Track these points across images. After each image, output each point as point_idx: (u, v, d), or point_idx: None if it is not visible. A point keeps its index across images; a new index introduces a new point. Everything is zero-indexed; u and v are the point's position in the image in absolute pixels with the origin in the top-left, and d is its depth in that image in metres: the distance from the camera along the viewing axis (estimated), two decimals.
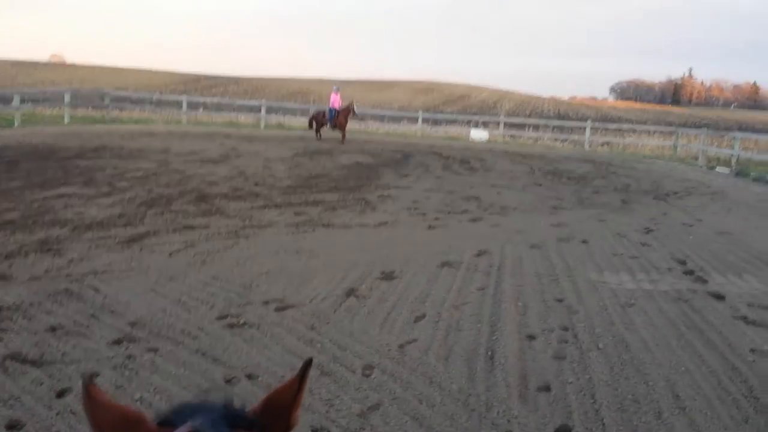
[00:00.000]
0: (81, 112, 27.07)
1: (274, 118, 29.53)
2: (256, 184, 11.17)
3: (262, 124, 27.51)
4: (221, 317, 4.75)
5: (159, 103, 35.61)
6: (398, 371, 3.93)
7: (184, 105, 27.64)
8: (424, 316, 4.96)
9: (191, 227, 7.60)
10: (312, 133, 22.18)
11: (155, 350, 4.08)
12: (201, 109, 31.08)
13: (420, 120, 28.87)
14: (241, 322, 4.68)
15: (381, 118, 32.76)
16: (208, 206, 8.91)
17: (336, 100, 22.11)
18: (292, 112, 31.87)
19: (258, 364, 3.94)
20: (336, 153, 17.61)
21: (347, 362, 4.04)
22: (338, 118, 21.59)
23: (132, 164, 12.65)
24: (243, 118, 29.38)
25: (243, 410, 0.96)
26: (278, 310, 4.94)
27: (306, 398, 3.45)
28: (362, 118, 32.26)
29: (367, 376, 3.86)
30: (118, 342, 4.17)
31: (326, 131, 22.00)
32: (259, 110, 28.39)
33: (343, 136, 21.61)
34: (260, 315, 4.84)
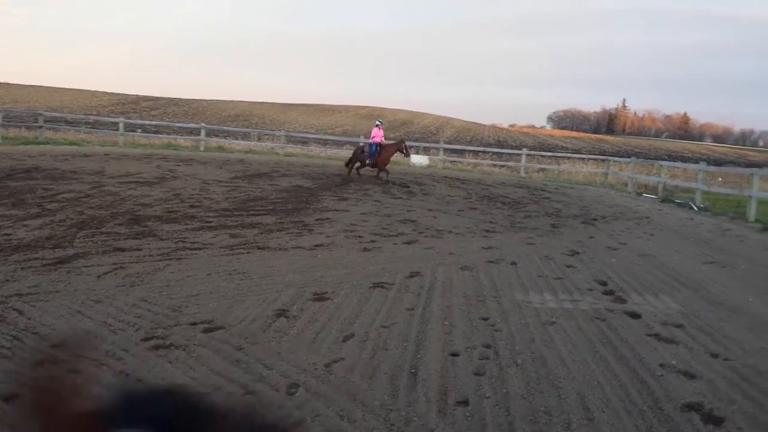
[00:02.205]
0: (13, 132, 26.27)
1: (215, 141, 29.30)
2: (192, 206, 11.10)
3: (202, 147, 27.27)
4: (147, 339, 4.74)
5: (95, 125, 34.83)
6: (322, 389, 4.01)
7: (121, 127, 27.18)
8: (352, 335, 5.06)
9: (122, 249, 7.51)
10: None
11: (77, 371, 4.04)
12: (139, 131, 30.55)
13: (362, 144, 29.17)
14: (168, 343, 4.68)
15: (323, 143, 32.94)
16: (140, 228, 8.82)
17: (378, 135, 20.23)
18: (233, 135, 31.71)
19: (182, 385, 3.96)
20: (276, 176, 17.63)
21: (272, 381, 4.10)
22: (382, 155, 19.66)
23: (64, 186, 12.38)
24: (182, 140, 29.08)
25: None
26: (206, 331, 4.96)
27: None
28: (305, 142, 32.35)
29: (292, 394, 3.93)
30: (40, 364, 4.11)
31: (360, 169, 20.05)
32: (199, 133, 28.14)
33: (383, 172, 19.70)
34: (187, 336, 4.84)
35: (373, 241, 9.19)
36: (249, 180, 16.28)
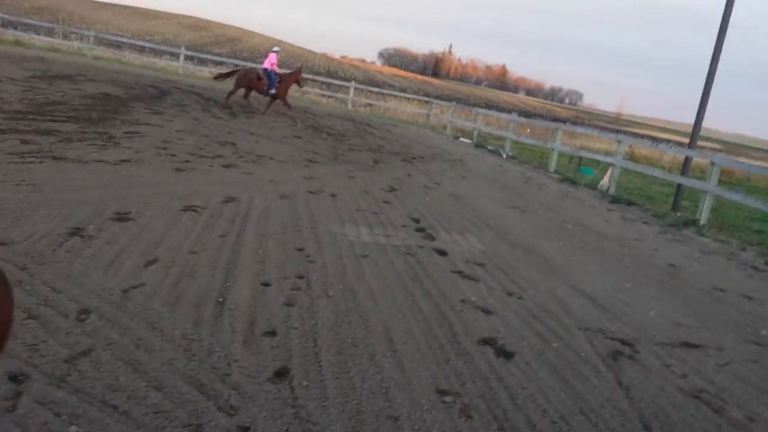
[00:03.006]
0: None
1: (11, 33, 25.73)
2: None
3: None
4: None
5: None
6: (118, 316, 3.69)
7: None
8: (156, 260, 4.71)
9: None
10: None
11: None
12: None
13: (182, 56, 27.28)
14: None
15: (140, 49, 30.33)
16: None
17: (272, 62, 17.49)
18: (35, 29, 28.04)
19: None
20: (81, 80, 15.90)
21: (60, 306, 3.68)
22: (282, 85, 17.38)
23: None
24: None
25: None
26: None
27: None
28: (119, 46, 29.57)
29: (82, 320, 3.56)
30: None
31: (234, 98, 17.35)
32: None
33: (287, 105, 17.74)
34: None
35: (187, 162, 8.65)
36: (49, 81, 14.49)
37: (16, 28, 27.19)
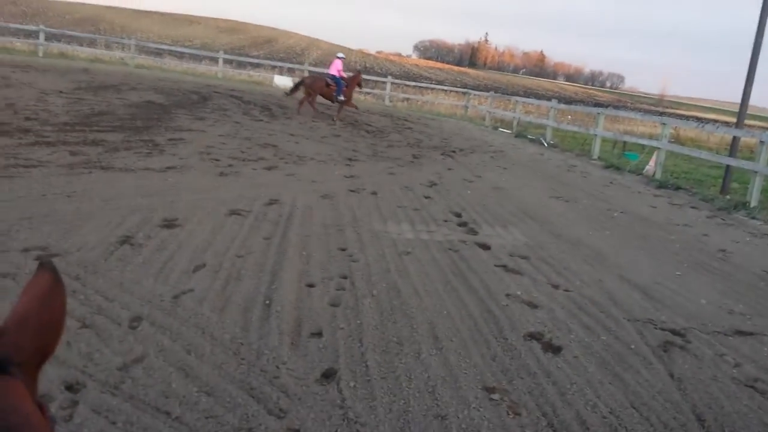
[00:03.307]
0: None
1: (56, 47, 26.52)
2: (27, 119, 10.00)
3: (41, 52, 24.63)
4: None
5: None
6: (168, 322, 3.79)
7: None
8: (204, 265, 4.82)
9: None
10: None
11: None
12: None
13: (221, 61, 27.69)
14: None
15: (180, 56, 30.92)
16: None
17: (339, 68, 17.72)
18: (78, 40, 28.85)
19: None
20: (124, 90, 16.31)
21: (113, 314, 3.80)
22: (347, 90, 17.52)
23: None
24: (19, 43, 26.07)
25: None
26: (39, 258, 4.49)
27: (60, 352, 3.20)
28: (160, 53, 30.18)
29: (134, 328, 3.67)
30: None
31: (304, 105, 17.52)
32: (38, 36, 25.33)
33: (354, 107, 18.16)
34: (17, 264, 4.37)
35: (230, 166, 8.80)
36: (94, 92, 14.92)
37: (59, 41, 27.99)
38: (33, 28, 26.83)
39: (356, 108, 18.22)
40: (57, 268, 0.80)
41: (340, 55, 18.73)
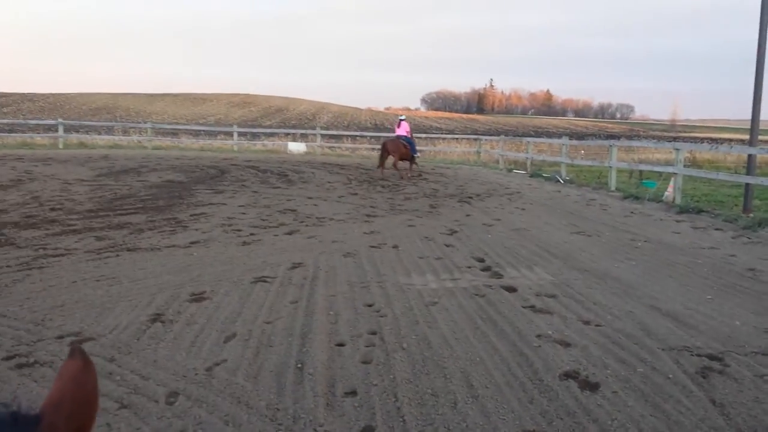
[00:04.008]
0: None
1: (75, 137, 27.40)
2: (53, 210, 10.30)
3: (61, 144, 25.45)
4: (8, 357, 4.31)
5: None
6: (204, 395, 3.82)
7: None
8: (234, 335, 4.87)
9: None
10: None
11: None
12: None
13: (235, 134, 28.38)
14: (32, 361, 4.28)
15: (195, 133, 31.73)
16: None
17: (407, 129, 19.33)
18: (96, 129, 29.81)
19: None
20: (144, 172, 16.75)
21: (149, 392, 3.85)
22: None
23: None
24: (39, 138, 26.98)
25: (38, 419, 0.79)
26: (72, 345, 4.58)
27: None
28: (176, 133, 31.00)
29: (171, 403, 3.71)
30: None
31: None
32: (57, 129, 26.22)
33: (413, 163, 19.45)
34: (53, 352, 4.46)
35: (252, 234, 8.94)
36: (115, 177, 15.35)
37: (78, 132, 28.98)
38: (51, 122, 27.83)
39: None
40: (86, 351, 0.85)
41: (402, 116, 20.35)
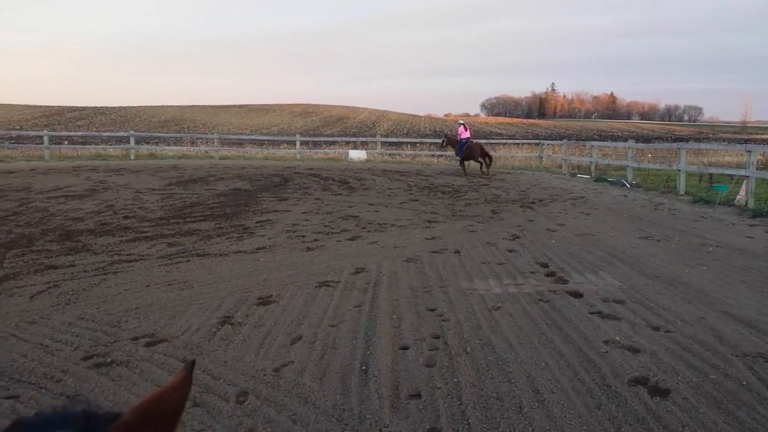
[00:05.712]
0: None
1: (145, 149, 28.50)
2: (126, 217, 10.76)
3: (133, 155, 26.51)
4: (87, 357, 4.55)
5: (18, 139, 33.42)
6: (273, 395, 3.93)
7: (46, 140, 26.11)
8: (300, 337, 4.99)
9: (55, 267, 7.21)
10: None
11: (16, 397, 3.86)
12: (65, 143, 29.45)
13: (298, 143, 28.91)
14: (109, 360, 4.50)
15: (260, 143, 32.48)
16: (73, 244, 8.48)
17: (468, 133, 22.57)
18: (165, 141, 30.92)
19: (126, 402, 3.81)
20: (212, 181, 17.28)
21: (220, 391, 3.99)
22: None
23: None
24: (112, 150, 28.17)
25: (113, 417, 0.83)
26: (148, 345, 4.79)
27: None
28: (241, 143, 31.80)
29: (241, 402, 3.84)
30: None
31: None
32: (128, 141, 27.33)
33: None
34: (128, 352, 4.67)
35: (316, 240, 9.10)
36: (184, 186, 15.89)
37: (148, 143, 30.14)
38: (123, 134, 29.05)
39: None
40: (192, 368, 0.90)
41: (461, 121, 23.65)
